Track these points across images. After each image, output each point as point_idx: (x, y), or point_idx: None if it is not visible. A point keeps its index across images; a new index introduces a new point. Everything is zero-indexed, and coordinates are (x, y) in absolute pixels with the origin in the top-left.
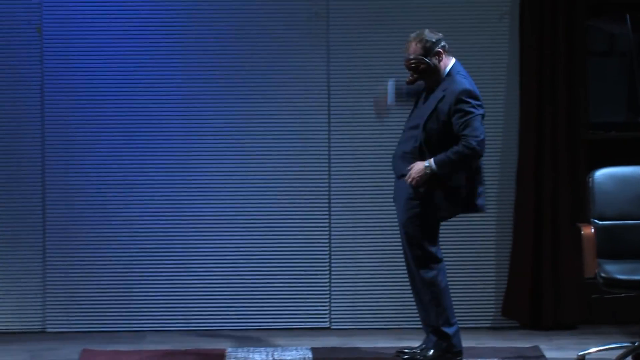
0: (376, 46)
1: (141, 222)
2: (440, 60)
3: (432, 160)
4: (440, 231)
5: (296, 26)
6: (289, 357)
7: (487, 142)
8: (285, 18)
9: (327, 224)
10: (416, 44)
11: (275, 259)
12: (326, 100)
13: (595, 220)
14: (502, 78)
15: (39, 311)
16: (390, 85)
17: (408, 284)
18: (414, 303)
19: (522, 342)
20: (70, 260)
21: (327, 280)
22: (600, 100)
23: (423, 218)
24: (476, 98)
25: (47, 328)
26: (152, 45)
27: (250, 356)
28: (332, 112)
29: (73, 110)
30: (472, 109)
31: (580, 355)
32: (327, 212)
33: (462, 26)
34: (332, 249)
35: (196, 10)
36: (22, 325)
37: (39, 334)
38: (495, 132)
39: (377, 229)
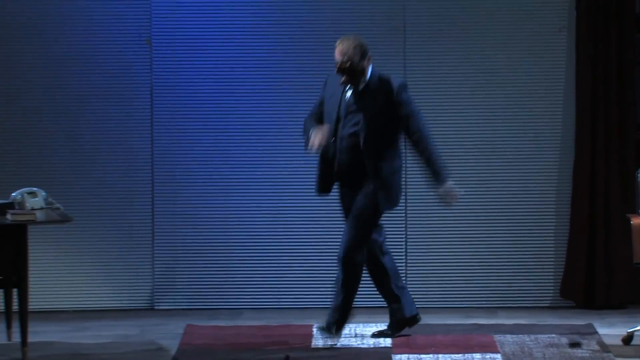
0: (449, 57)
1: (240, 212)
2: (368, 64)
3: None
4: (505, 223)
5: (375, 39)
6: (370, 332)
7: (546, 140)
8: (365, 31)
9: (403, 215)
10: (354, 47)
11: None
12: None
13: None
14: (560, 83)
15: (148, 291)
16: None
17: (476, 266)
18: (481, 284)
19: (577, 320)
20: (176, 245)
21: (403, 264)
22: None
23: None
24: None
25: (155, 306)
26: (248, 56)
27: None
28: None
29: (179, 113)
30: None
31: (629, 331)
32: (403, 204)
33: (527, 37)
34: (408, 237)
35: (289, 24)
36: (132, 303)
37: (147, 311)
38: (554, 132)
39: (448, 218)
